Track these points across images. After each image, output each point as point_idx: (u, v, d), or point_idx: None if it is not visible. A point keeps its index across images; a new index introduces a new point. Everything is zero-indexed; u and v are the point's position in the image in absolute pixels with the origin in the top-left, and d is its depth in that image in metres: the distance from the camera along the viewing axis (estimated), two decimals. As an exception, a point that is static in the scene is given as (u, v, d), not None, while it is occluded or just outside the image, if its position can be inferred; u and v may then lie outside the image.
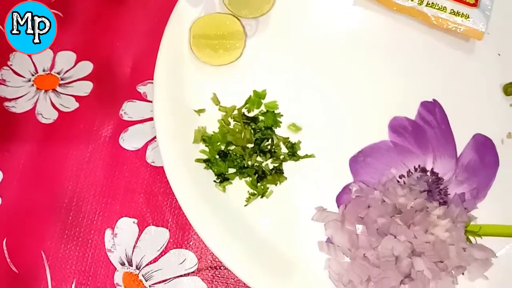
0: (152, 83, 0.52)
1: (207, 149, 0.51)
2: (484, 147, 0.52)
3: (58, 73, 0.56)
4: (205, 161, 0.51)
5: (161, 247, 0.51)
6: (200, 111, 0.52)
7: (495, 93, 0.54)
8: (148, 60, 0.53)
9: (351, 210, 0.49)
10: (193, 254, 0.50)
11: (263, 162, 0.51)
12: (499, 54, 0.55)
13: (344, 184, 0.51)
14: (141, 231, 0.51)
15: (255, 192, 0.50)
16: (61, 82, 0.56)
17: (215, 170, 0.50)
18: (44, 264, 0.50)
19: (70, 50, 0.57)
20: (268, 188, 0.50)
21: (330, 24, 0.56)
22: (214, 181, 0.50)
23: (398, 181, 0.51)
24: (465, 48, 0.56)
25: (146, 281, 0.50)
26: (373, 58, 0.55)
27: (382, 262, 0.46)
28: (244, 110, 0.53)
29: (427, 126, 0.53)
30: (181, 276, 0.50)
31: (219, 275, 0.50)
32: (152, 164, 0.53)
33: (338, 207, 0.50)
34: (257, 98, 0.53)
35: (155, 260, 0.50)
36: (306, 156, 0.52)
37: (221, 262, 0.48)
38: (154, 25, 0.57)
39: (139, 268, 0.50)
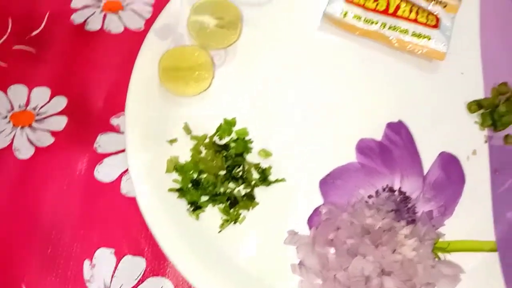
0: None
1: (180, 178, 0.52)
2: (450, 164, 0.54)
3: (34, 109, 0.58)
4: (178, 190, 0.52)
5: (138, 276, 0.52)
6: (172, 141, 0.54)
7: (459, 111, 0.56)
8: (121, 93, 0.55)
9: (321, 233, 0.50)
10: (170, 282, 0.51)
11: (235, 188, 0.52)
12: (462, 73, 0.57)
13: (315, 207, 0.52)
14: (118, 261, 0.52)
15: (228, 219, 0.51)
16: (36, 117, 0.57)
17: (188, 198, 0.51)
18: (24, 298, 0.51)
19: (45, 86, 0.58)
20: (240, 214, 0.52)
21: (297, 50, 0.58)
22: (188, 209, 0.51)
23: (367, 202, 0.52)
24: (429, 68, 0.57)
25: (125, 310, 0.51)
26: (339, 82, 0.57)
27: (352, 282, 0.47)
28: (215, 138, 0.54)
29: (393, 146, 0.54)
30: (158, 304, 0.51)
31: (196, 302, 0.51)
32: (127, 195, 0.54)
33: (310, 229, 0.51)
34: (227, 126, 0.54)
35: (133, 289, 0.51)
36: (277, 180, 0.53)
37: (197, 289, 0.49)
38: (126, 57, 0.58)
39: (117, 298, 0.51)
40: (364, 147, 0.54)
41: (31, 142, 0.56)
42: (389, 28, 0.57)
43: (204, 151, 0.53)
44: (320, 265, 0.49)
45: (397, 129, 0.55)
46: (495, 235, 0.51)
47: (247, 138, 0.54)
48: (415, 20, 0.57)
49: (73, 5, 0.61)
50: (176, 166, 0.53)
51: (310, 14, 0.59)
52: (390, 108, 0.56)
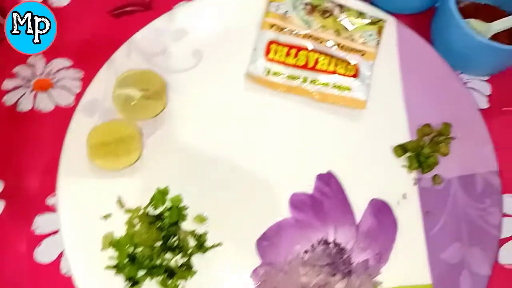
0: (58, 195, 0.54)
1: (116, 254, 0.53)
2: (381, 211, 0.55)
3: (-31, 197, 0.58)
4: (114, 266, 0.52)
5: None
6: (106, 217, 0.54)
7: (387, 156, 0.57)
8: (56, 171, 0.55)
9: (258, 295, 0.50)
10: None
11: (172, 258, 0.53)
12: (386, 116, 0.59)
13: (253, 268, 0.53)
14: None
15: (167, 290, 0.52)
16: (-28, 204, 0.57)
17: (126, 274, 0.52)
18: None
19: (-20, 171, 0.59)
20: (179, 284, 0.52)
21: (224, 112, 0.59)
22: (125, 286, 0.52)
23: (303, 258, 0.53)
24: (354, 115, 0.59)
25: None
26: (269, 139, 0.58)
27: None
28: (150, 209, 0.55)
29: (324, 198, 0.55)
30: None
31: None
32: (66, 274, 0.54)
33: (249, 291, 0.52)
34: (161, 195, 0.55)
35: None
36: (213, 246, 0.53)
37: None
38: (58, 135, 0.58)
39: None
40: (296, 202, 0.55)
41: (-33, 231, 0.56)
42: (311, 82, 0.58)
43: (138, 224, 0.54)
44: (260, 329, 0.49)
45: (327, 180, 0.56)
46: (431, 278, 0.52)
47: (181, 205, 0.55)
48: (334, 72, 0.58)
49: (4, 87, 0.62)
50: (111, 242, 0.53)
51: (234, 75, 0.60)
52: (319, 160, 0.57)
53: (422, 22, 0.64)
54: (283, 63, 0.59)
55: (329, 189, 0.55)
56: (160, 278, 0.52)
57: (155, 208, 0.55)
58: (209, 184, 0.56)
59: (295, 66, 0.59)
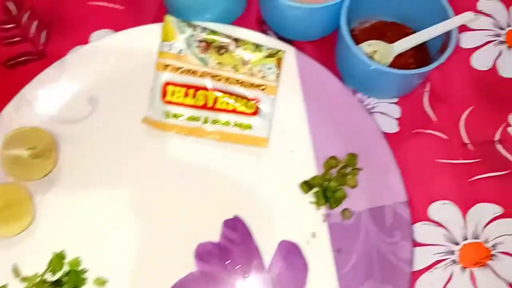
0: None
1: (11, 329, 0.49)
2: (290, 253, 0.52)
3: None
4: None
5: None
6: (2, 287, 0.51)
7: (294, 193, 0.55)
8: None
9: None
10: None
11: (73, 326, 0.50)
12: (292, 151, 0.56)
13: (160, 328, 0.50)
14: None
15: None
16: None
17: None
18: None
19: None
20: None
21: (122, 162, 0.56)
22: None
23: (211, 313, 0.50)
24: (258, 153, 0.56)
25: None
26: (169, 187, 0.55)
27: None
28: (48, 275, 0.51)
29: (231, 245, 0.53)
30: None
31: None
32: None
33: None
34: (58, 259, 0.52)
35: None
36: (116, 308, 0.51)
37: None
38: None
39: None
40: (202, 253, 0.52)
41: None
42: (212, 122, 0.56)
43: (35, 293, 0.51)
44: None
45: (234, 226, 0.53)
46: (344, 320, 0.50)
47: (80, 268, 0.52)
48: (234, 111, 0.56)
49: None
50: (6, 316, 0.50)
51: (133, 121, 0.57)
52: (225, 204, 0.54)
53: (329, 47, 0.62)
54: (182, 104, 0.56)
55: (237, 234, 0.53)
56: None
57: (53, 273, 0.52)
58: (108, 244, 0.53)
59: (194, 106, 0.56)
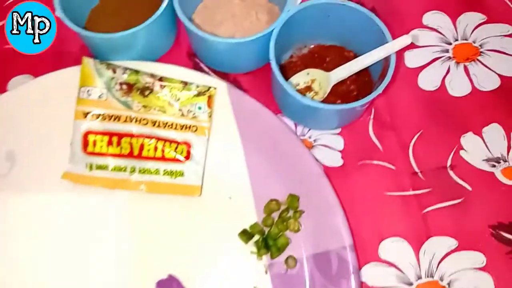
0: None
1: None
2: (231, 311, 0.48)
3: None
4: None
5: None
6: None
7: (234, 243, 0.50)
8: None
9: None
10: None
11: None
12: (230, 198, 0.52)
13: None
14: None
15: None
16: None
17: None
18: None
19: None
20: None
21: (42, 222, 0.51)
22: None
23: None
24: (191, 203, 0.52)
25: None
26: (96, 246, 0.50)
27: None
28: None
29: (167, 308, 0.48)
30: None
31: None
32: None
33: None
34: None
35: None
36: None
37: None
38: None
39: None
40: (135, 319, 0.48)
41: None
42: (140, 172, 0.52)
43: None
44: None
45: (168, 286, 0.49)
46: None
47: None
48: (163, 157, 0.52)
49: None
50: None
51: (53, 177, 0.52)
52: (158, 262, 0.50)
53: (267, 77, 0.58)
54: (105, 154, 0.52)
55: (172, 296, 0.49)
56: None
57: None
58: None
59: (119, 156, 0.52)
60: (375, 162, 0.55)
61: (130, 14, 0.58)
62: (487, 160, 0.56)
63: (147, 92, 0.53)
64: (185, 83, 0.54)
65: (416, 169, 0.55)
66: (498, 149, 0.56)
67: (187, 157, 0.52)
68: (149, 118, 0.53)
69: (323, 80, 0.55)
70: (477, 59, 0.61)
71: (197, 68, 0.59)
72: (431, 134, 0.57)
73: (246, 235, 0.50)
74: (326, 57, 0.58)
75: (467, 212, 0.53)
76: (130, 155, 0.52)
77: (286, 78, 0.56)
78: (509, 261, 0.51)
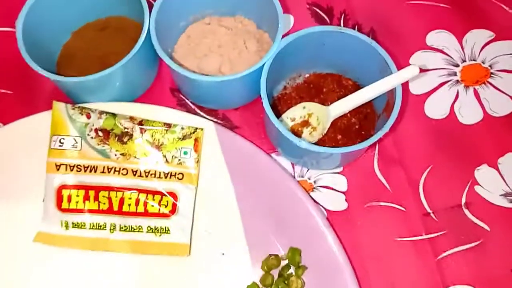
0: None
1: None
2: None
3: None
4: None
5: None
6: None
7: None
8: None
9: None
10: None
11: None
12: (222, 254, 0.47)
13: None
14: None
15: None
16: None
17: None
18: None
19: None
20: None
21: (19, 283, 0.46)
22: None
23: None
24: (181, 262, 0.46)
25: None
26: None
27: None
28: None
29: None
30: None
31: None
32: None
33: None
34: None
35: None
36: None
37: None
38: None
39: None
40: None
41: None
42: (121, 229, 0.46)
43: None
44: None
45: None
46: None
47: None
48: (146, 213, 0.46)
49: None
50: None
51: (25, 238, 0.46)
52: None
53: (260, 111, 0.53)
54: (82, 211, 0.46)
55: None
56: None
57: None
58: None
59: (98, 211, 0.46)
60: (382, 203, 0.50)
61: (106, 48, 0.53)
62: (505, 195, 0.50)
63: (126, 139, 0.48)
64: (169, 125, 0.48)
65: (428, 209, 0.50)
66: (517, 182, 0.51)
67: (173, 211, 0.46)
68: (129, 168, 0.47)
69: (321, 114, 0.49)
70: (488, 81, 0.56)
71: (181, 105, 0.54)
72: (442, 168, 0.51)
73: (241, 298, 0.45)
74: (323, 87, 0.53)
75: (486, 255, 0.48)
76: (110, 210, 0.46)
77: (280, 111, 0.51)
78: (535, 311, 0.46)
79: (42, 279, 0.46)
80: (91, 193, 0.46)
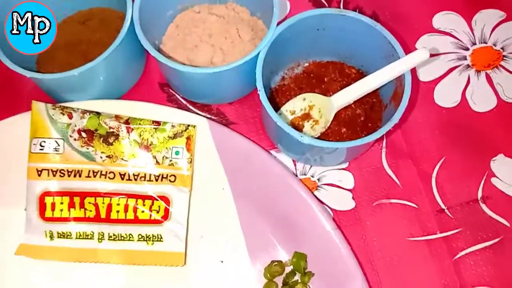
0: None
1: None
2: None
3: None
4: None
5: None
6: None
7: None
8: None
9: None
10: None
11: None
12: (221, 261, 0.43)
13: None
14: None
15: None
16: None
17: None
18: None
19: None
20: None
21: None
22: None
23: None
24: (176, 272, 0.42)
25: None
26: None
27: None
28: None
29: None
30: None
31: None
32: None
33: None
34: None
35: None
36: None
37: None
38: None
39: None
40: None
41: None
42: (109, 238, 0.42)
43: None
44: None
45: None
46: None
47: None
48: (136, 219, 0.42)
49: None
50: None
51: (6, 251, 0.43)
52: None
53: (257, 104, 0.49)
54: (67, 219, 0.42)
55: None
56: None
57: None
58: None
59: (84, 219, 0.42)
60: (393, 201, 0.46)
61: (88, 42, 0.49)
62: (525, 186, 0.47)
63: (111, 139, 0.44)
64: (158, 123, 0.44)
65: (442, 206, 0.46)
66: (537, 172, 0.47)
67: (166, 216, 0.43)
68: (116, 171, 0.43)
69: (323, 106, 0.46)
70: (500, 65, 0.52)
71: (171, 100, 0.50)
72: (455, 161, 0.48)
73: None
74: (324, 76, 0.49)
75: (506, 253, 0.45)
76: (97, 218, 0.43)
77: (279, 104, 0.48)
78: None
79: (26, 294, 0.42)
80: (76, 200, 0.43)
